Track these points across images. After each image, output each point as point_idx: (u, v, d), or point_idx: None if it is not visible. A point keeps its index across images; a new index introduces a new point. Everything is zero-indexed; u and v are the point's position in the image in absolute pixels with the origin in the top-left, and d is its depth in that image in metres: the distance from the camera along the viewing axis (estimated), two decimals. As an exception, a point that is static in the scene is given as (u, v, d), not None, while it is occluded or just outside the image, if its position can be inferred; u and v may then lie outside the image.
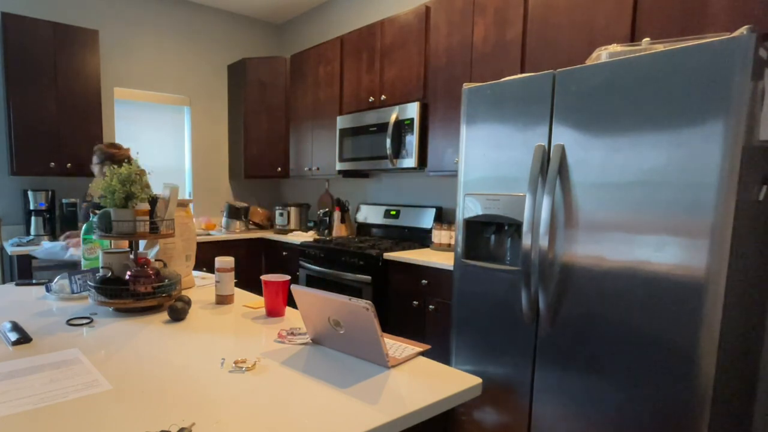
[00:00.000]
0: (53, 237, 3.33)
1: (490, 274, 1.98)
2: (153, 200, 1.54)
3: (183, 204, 1.74)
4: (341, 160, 3.36)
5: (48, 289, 1.57)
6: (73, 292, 1.52)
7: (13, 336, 1.12)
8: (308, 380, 0.93)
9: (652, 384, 1.50)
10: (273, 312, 1.38)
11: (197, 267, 3.54)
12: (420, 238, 3.18)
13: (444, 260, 2.45)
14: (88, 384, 0.89)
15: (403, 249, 2.89)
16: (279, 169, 4.12)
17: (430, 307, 2.48)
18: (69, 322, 1.28)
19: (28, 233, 3.27)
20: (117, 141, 3.83)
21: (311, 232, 3.92)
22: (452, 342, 2.14)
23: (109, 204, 1.38)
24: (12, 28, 3.00)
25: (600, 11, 1.99)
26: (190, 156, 4.25)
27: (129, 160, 2.51)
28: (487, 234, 2.09)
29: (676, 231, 1.42)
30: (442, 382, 0.93)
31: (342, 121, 3.33)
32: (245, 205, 4.11)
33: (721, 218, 1.33)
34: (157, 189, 1.66)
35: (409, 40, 2.89)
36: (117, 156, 2.51)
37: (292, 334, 1.21)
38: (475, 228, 2.08)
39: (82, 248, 1.70)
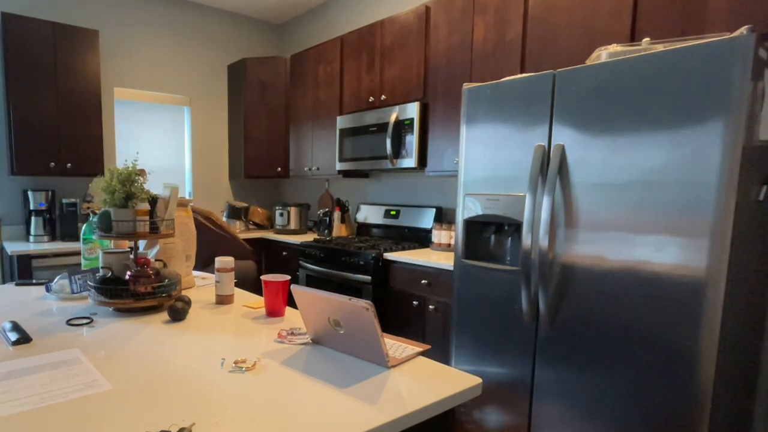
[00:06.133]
0: (53, 237, 3.34)
1: (490, 274, 1.97)
2: (153, 200, 1.54)
3: (183, 204, 1.74)
4: (341, 160, 3.35)
5: (48, 289, 1.57)
6: (73, 292, 1.52)
7: (13, 336, 1.12)
8: (308, 380, 0.93)
9: (651, 384, 1.50)
10: (273, 312, 1.39)
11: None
12: (420, 238, 3.18)
13: (444, 260, 2.45)
14: (88, 384, 0.89)
15: (403, 249, 2.89)
16: (279, 169, 4.12)
17: (430, 307, 2.48)
18: (69, 322, 1.28)
19: (28, 233, 3.27)
20: (117, 141, 3.83)
21: (311, 232, 3.92)
22: (452, 342, 2.14)
23: (109, 204, 1.38)
24: (12, 28, 3.00)
25: (600, 11, 1.99)
26: (190, 156, 4.25)
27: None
28: (487, 234, 2.09)
29: (676, 231, 1.42)
30: (442, 382, 0.93)
31: (342, 121, 3.33)
32: (245, 205, 4.11)
33: (721, 218, 1.33)
34: (157, 189, 1.66)
35: (409, 40, 2.89)
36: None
37: (292, 334, 1.21)
38: (475, 228, 2.08)
39: (82, 248, 1.70)
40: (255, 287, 2.49)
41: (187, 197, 4.32)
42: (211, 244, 2.48)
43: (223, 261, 1.51)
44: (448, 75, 2.67)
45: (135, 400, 0.83)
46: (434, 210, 3.06)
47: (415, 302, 2.56)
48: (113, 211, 1.38)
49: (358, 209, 3.66)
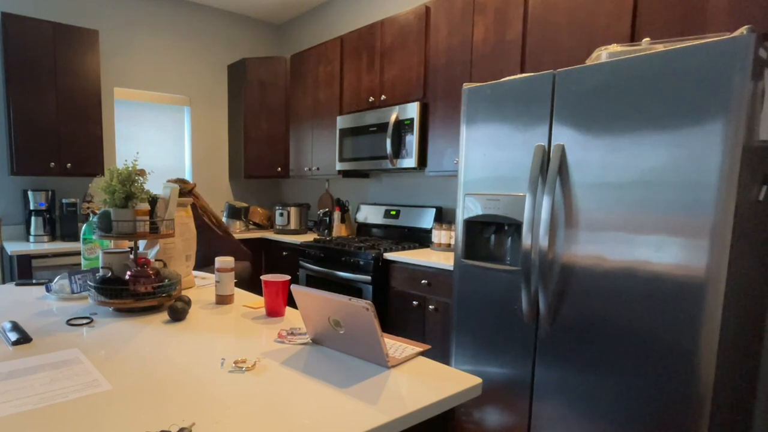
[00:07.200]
0: (53, 237, 3.34)
1: (490, 274, 1.97)
2: (153, 200, 1.54)
3: (183, 204, 1.75)
4: (341, 160, 3.36)
5: (48, 289, 1.57)
6: (73, 292, 1.52)
7: (13, 336, 1.12)
8: (308, 380, 0.93)
9: (651, 384, 1.50)
10: (273, 312, 1.39)
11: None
12: (420, 238, 3.18)
13: (444, 260, 2.45)
14: (88, 384, 0.89)
15: (403, 249, 2.89)
16: (279, 169, 4.12)
17: (430, 307, 2.48)
18: (69, 322, 1.28)
19: (28, 233, 3.27)
20: (117, 141, 3.83)
21: (311, 232, 3.92)
22: (452, 342, 2.14)
23: (109, 204, 1.38)
24: (12, 28, 3.00)
25: (600, 11, 1.99)
26: (190, 156, 4.25)
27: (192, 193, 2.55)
28: (487, 234, 2.09)
29: (676, 231, 1.42)
30: (442, 382, 0.93)
31: (342, 121, 3.33)
32: (245, 205, 4.11)
33: (721, 218, 1.33)
34: (157, 189, 1.66)
35: (409, 40, 2.89)
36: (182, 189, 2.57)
37: (292, 334, 1.21)
38: (475, 228, 2.08)
39: (82, 248, 1.70)
40: (249, 287, 2.52)
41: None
42: (209, 243, 2.49)
43: (223, 261, 1.51)
44: (448, 75, 2.67)
45: (135, 400, 0.83)
46: (434, 210, 3.06)
47: (415, 302, 2.56)
48: (113, 211, 1.38)
49: (358, 209, 3.66)
